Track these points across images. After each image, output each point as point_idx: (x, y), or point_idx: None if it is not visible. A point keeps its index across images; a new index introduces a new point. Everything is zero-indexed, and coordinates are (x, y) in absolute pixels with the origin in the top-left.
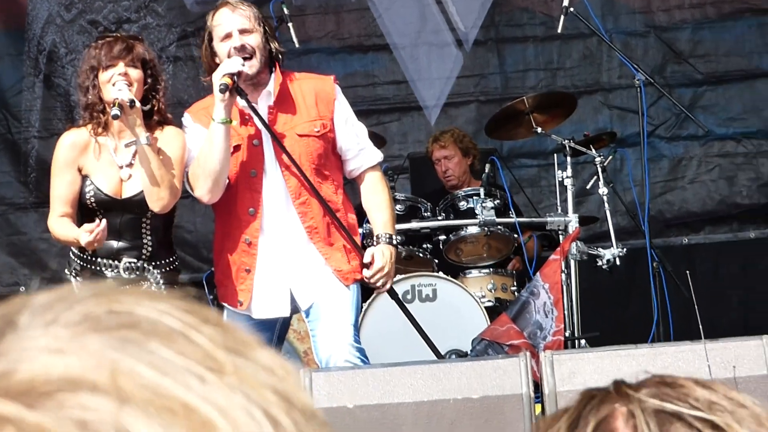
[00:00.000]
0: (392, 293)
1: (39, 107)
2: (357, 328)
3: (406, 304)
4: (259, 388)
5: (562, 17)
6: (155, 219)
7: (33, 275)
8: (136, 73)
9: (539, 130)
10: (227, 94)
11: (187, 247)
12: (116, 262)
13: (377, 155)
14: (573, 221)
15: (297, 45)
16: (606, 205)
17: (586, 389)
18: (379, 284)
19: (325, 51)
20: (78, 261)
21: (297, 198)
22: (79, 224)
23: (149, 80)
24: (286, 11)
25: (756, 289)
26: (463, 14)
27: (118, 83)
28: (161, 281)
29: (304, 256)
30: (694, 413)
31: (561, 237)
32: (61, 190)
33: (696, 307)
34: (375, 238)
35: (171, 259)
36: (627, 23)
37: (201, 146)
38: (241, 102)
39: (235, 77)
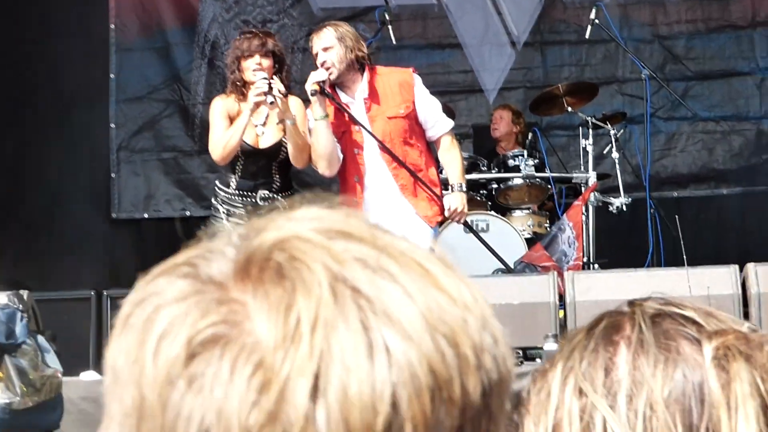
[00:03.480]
0: (466, 224)
1: (204, 82)
2: None
3: (467, 233)
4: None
5: (590, 27)
6: (281, 163)
7: (194, 204)
8: (267, 62)
9: (570, 109)
10: (316, 96)
11: (307, 186)
12: (253, 194)
13: (449, 123)
14: (592, 177)
15: (394, 42)
16: (617, 166)
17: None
18: (456, 220)
19: (414, 47)
20: (223, 193)
21: (390, 165)
22: (229, 169)
23: (276, 65)
24: (387, 17)
25: (726, 230)
26: (517, 23)
27: (260, 82)
28: (287, 208)
29: (398, 207)
30: (681, 311)
31: (583, 188)
32: (221, 132)
33: (681, 242)
34: (450, 187)
35: (292, 191)
36: (638, 32)
37: (312, 138)
38: (343, 98)
39: (322, 83)
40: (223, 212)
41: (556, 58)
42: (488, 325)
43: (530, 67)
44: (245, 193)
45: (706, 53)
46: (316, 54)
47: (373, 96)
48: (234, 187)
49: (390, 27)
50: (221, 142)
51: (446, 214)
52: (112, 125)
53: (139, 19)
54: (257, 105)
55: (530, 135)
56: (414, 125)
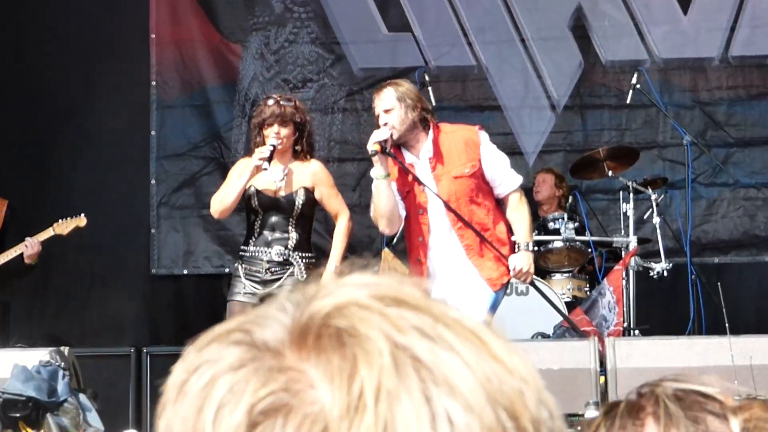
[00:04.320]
0: (533, 285)
1: (244, 140)
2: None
3: (508, 295)
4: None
5: (631, 91)
6: (299, 219)
7: (233, 261)
8: (285, 131)
9: (610, 173)
10: (377, 156)
11: (349, 247)
12: (269, 249)
13: (517, 181)
14: (632, 241)
15: (434, 103)
16: (658, 230)
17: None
18: (521, 280)
19: (454, 109)
20: (243, 252)
21: (455, 225)
22: (249, 226)
23: (297, 132)
24: (427, 78)
25: None
26: (557, 86)
27: (265, 148)
28: (303, 268)
29: (462, 269)
30: (701, 389)
31: (623, 253)
32: (229, 184)
33: (724, 310)
34: (516, 246)
35: (310, 254)
36: (679, 98)
37: (373, 196)
38: (408, 158)
39: (384, 143)
40: (243, 271)
41: (596, 122)
42: (544, 398)
43: (570, 130)
44: (261, 250)
45: (747, 120)
46: (378, 115)
47: (437, 155)
48: (252, 244)
49: (430, 88)
50: (218, 197)
51: (512, 274)
52: (153, 181)
53: (180, 76)
54: (257, 168)
55: (570, 198)
56: (481, 183)
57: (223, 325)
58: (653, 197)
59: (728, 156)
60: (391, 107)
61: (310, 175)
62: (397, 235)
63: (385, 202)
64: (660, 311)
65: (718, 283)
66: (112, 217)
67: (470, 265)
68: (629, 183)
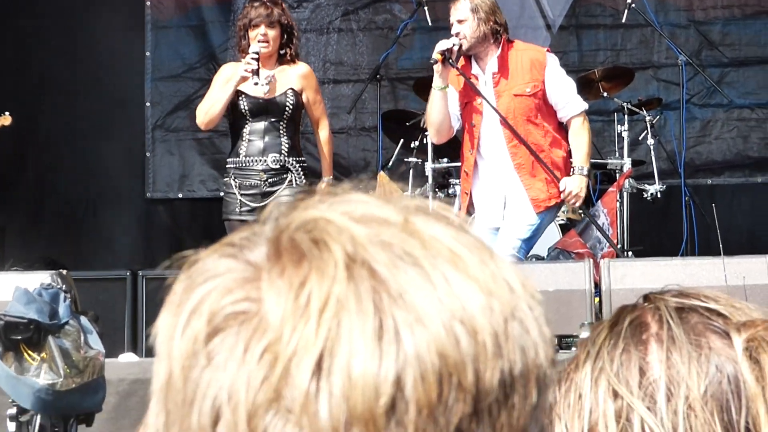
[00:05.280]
0: (582, 209)
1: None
2: (528, 245)
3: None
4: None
5: (626, 11)
6: (288, 123)
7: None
8: (272, 32)
9: (605, 94)
10: (438, 65)
11: (342, 168)
12: (264, 157)
13: (580, 106)
14: (627, 163)
15: (430, 23)
16: (652, 152)
17: (623, 304)
18: (570, 203)
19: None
20: (233, 165)
21: (509, 142)
22: (238, 135)
23: (285, 35)
24: None
25: (761, 219)
26: (552, 6)
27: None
28: (300, 173)
29: (510, 185)
30: (705, 304)
31: (617, 174)
32: (215, 93)
33: (718, 231)
34: (572, 169)
35: (303, 159)
36: (674, 17)
37: (428, 105)
38: (474, 69)
39: (447, 53)
40: (236, 187)
41: (591, 42)
42: (519, 314)
43: (565, 50)
44: (255, 158)
45: (742, 39)
46: (451, 24)
47: (503, 71)
48: (244, 154)
49: (426, 8)
50: (204, 108)
51: (562, 195)
52: (148, 104)
53: None
54: (243, 79)
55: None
56: (542, 105)
57: (224, 239)
58: (648, 118)
59: (722, 76)
60: (464, 18)
61: (298, 78)
62: (393, 158)
63: (436, 113)
64: (653, 233)
65: (713, 205)
66: (106, 141)
67: (519, 183)
68: (624, 104)
